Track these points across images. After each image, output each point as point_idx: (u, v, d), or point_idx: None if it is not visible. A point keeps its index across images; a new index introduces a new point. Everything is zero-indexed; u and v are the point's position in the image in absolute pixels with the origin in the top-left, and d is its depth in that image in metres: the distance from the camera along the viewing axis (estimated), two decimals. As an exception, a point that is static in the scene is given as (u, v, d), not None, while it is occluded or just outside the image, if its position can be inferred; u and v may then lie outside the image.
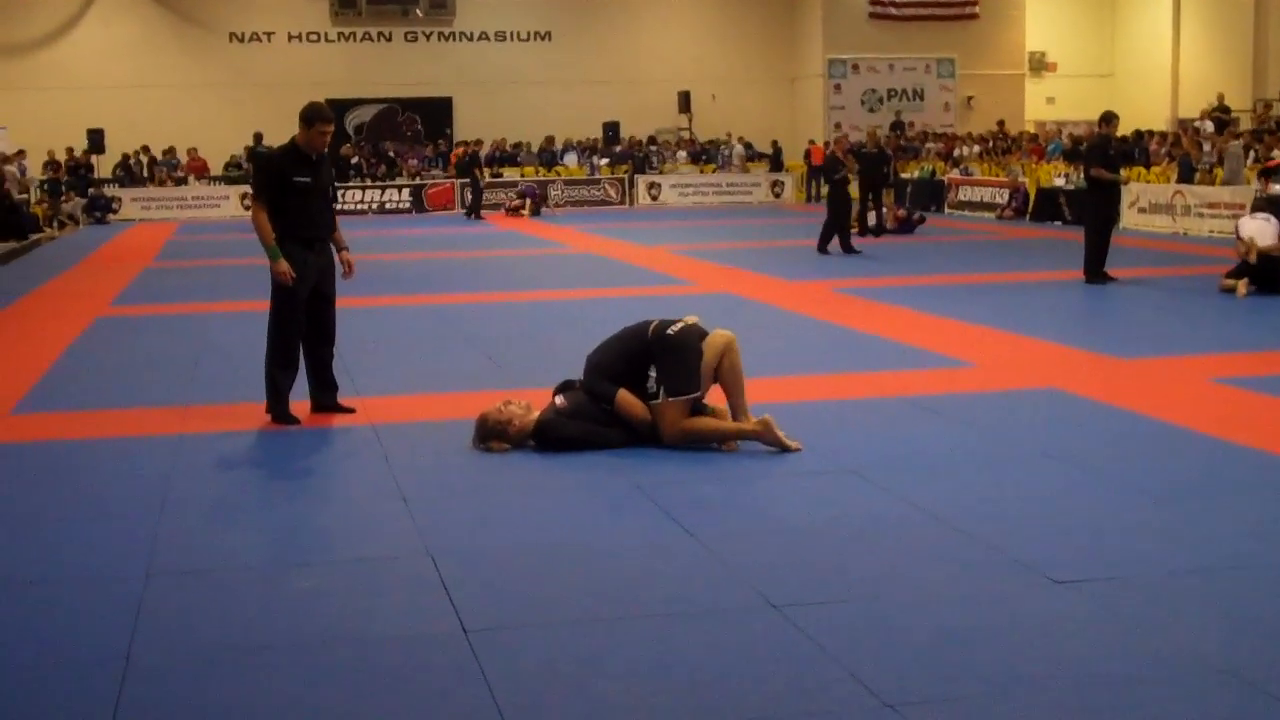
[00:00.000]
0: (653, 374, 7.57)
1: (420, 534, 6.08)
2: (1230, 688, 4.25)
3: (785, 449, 7.47)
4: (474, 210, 32.24)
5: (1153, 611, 4.93)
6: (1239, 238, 14.88)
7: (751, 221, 29.77)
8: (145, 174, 35.18)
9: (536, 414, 7.71)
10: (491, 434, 7.66)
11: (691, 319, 7.88)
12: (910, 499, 6.50)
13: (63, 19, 37.00)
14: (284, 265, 8.48)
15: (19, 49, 36.61)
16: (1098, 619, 4.87)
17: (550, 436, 7.62)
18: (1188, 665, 4.43)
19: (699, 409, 7.69)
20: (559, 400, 7.80)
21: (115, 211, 33.56)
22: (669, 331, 7.66)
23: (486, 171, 34.77)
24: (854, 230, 23.58)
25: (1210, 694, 4.22)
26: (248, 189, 8.02)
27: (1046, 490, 6.70)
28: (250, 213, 8.87)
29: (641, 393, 7.60)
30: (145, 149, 35.40)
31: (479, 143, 35.16)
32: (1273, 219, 14.85)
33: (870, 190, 24.38)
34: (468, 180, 32.90)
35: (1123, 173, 17.62)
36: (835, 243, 20.75)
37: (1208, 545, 5.76)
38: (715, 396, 7.85)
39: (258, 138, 31.25)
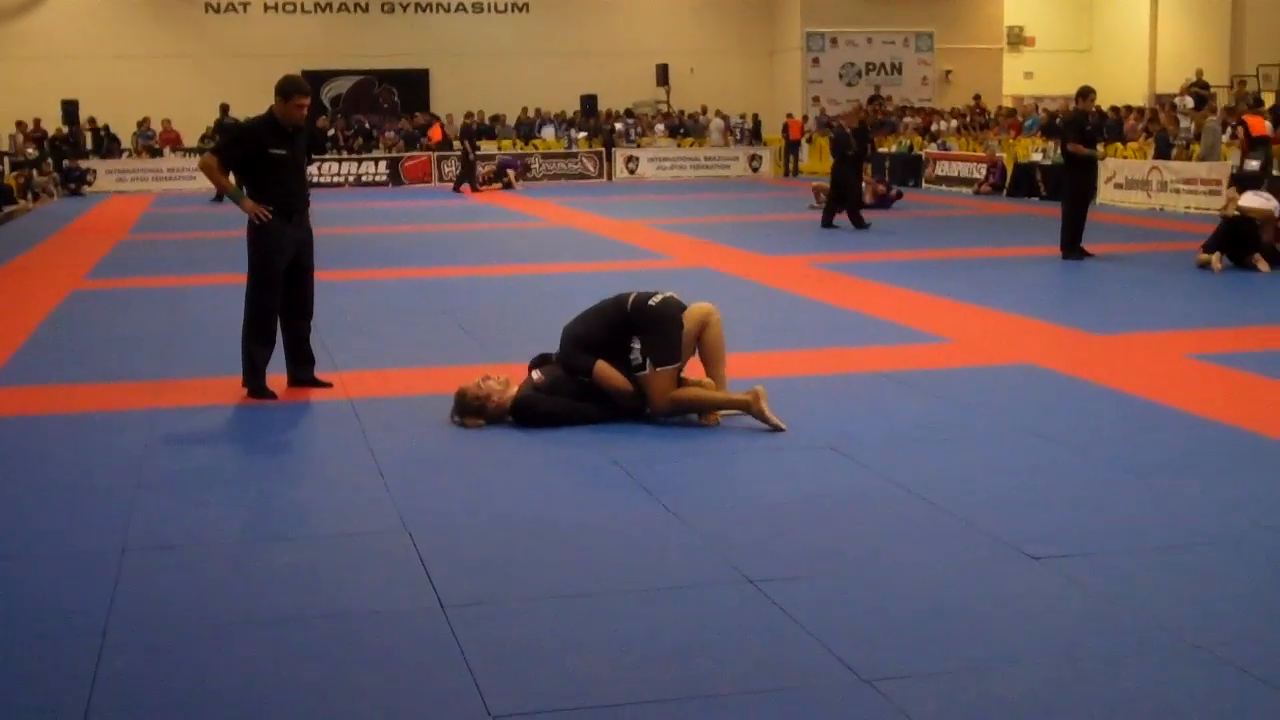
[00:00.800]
0: (636, 345, 7.56)
1: (398, 509, 6.08)
2: (1206, 663, 4.27)
3: (770, 425, 7.46)
4: (470, 183, 32.10)
5: (1129, 587, 4.95)
6: (1232, 195, 15.01)
7: (729, 195, 29.75)
8: (110, 145, 35.03)
9: (514, 390, 7.70)
10: (469, 409, 7.64)
11: (704, 307, 7.89)
12: (887, 474, 6.52)
13: (36, -12, 36.77)
14: (251, 203, 8.46)
15: (-9, 17, 36.38)
16: (1074, 594, 4.89)
17: (528, 413, 7.62)
18: (1164, 640, 4.45)
19: (680, 380, 7.71)
20: (535, 375, 7.79)
21: (90, 184, 33.37)
22: (650, 303, 7.66)
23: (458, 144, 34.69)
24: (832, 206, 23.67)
25: (1186, 669, 4.24)
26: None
27: (1023, 465, 6.72)
28: (201, 164, 8.77)
29: (621, 365, 7.60)
30: (105, 127, 35.17)
31: (471, 115, 34.98)
32: (1274, 199, 14.94)
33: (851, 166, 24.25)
34: (461, 152, 32.72)
35: (1100, 148, 17.63)
36: (843, 217, 20.78)
37: (1183, 520, 5.78)
38: (694, 369, 7.86)
39: (224, 109, 31.03)
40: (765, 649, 4.42)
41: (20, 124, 33.61)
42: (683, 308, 7.71)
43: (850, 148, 21.30)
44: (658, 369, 7.54)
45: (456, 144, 34.16)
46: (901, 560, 5.31)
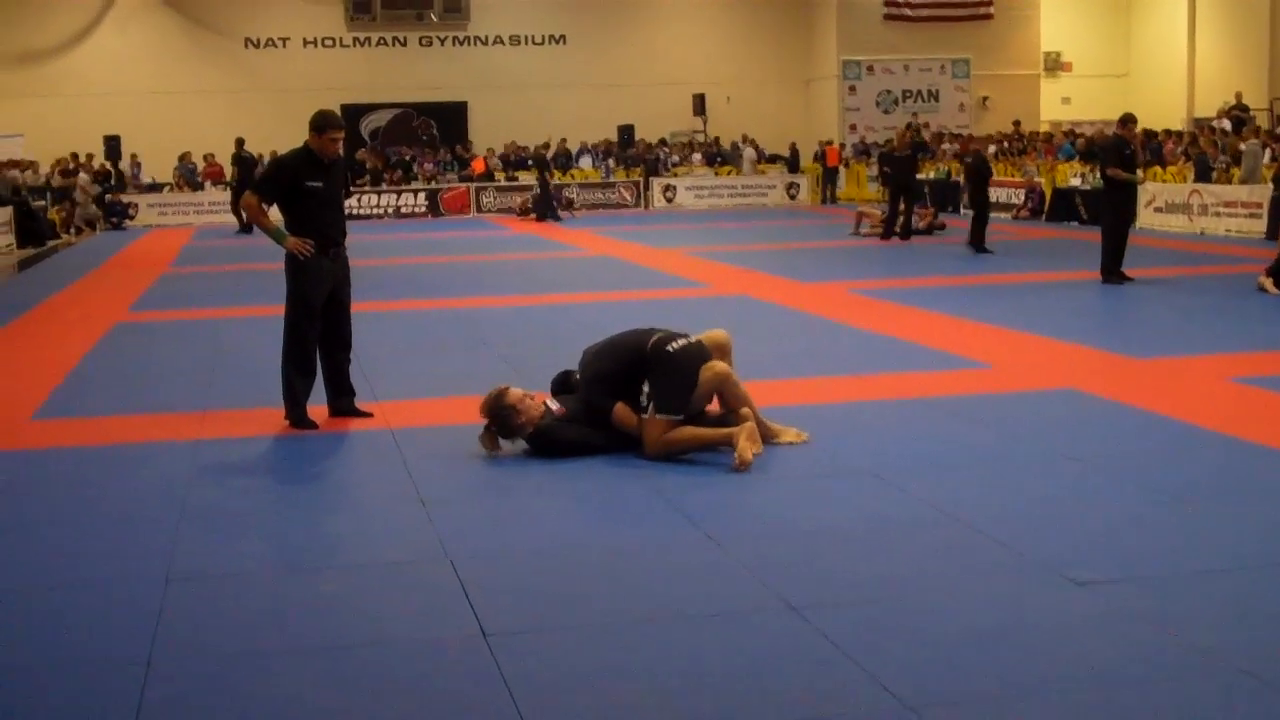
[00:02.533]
0: (646, 389, 7.54)
1: (439, 538, 6.09)
2: (1249, 688, 4.24)
3: (741, 464, 7.23)
4: (552, 212, 32.06)
5: (1171, 612, 4.92)
6: None
7: (767, 223, 29.75)
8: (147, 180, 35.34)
9: (538, 420, 7.68)
10: (503, 411, 7.60)
11: (718, 335, 7.86)
12: (928, 500, 6.50)
13: (78, 26, 37.13)
14: (294, 240, 8.52)
15: (35, 56, 36.75)
16: (1117, 619, 4.86)
17: (547, 442, 7.61)
18: (1207, 665, 4.42)
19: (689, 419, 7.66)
20: (555, 407, 7.77)
21: (132, 217, 33.66)
22: (669, 348, 7.56)
23: (501, 175, 34.82)
24: (878, 233, 23.85)
25: (1229, 694, 4.21)
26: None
27: (1064, 491, 6.69)
28: (244, 203, 8.89)
29: (636, 404, 7.57)
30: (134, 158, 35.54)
31: (545, 146, 35.13)
32: None
33: (902, 193, 24.23)
34: (539, 182, 32.76)
35: (1140, 173, 17.57)
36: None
37: (1226, 545, 5.74)
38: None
39: (239, 143, 31.25)
40: (808, 676, 4.41)
41: (59, 161, 33.85)
42: (703, 360, 7.61)
43: (918, 168, 21.67)
44: (658, 415, 7.46)
45: (513, 174, 34.25)
46: (944, 586, 5.29)
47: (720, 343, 7.86)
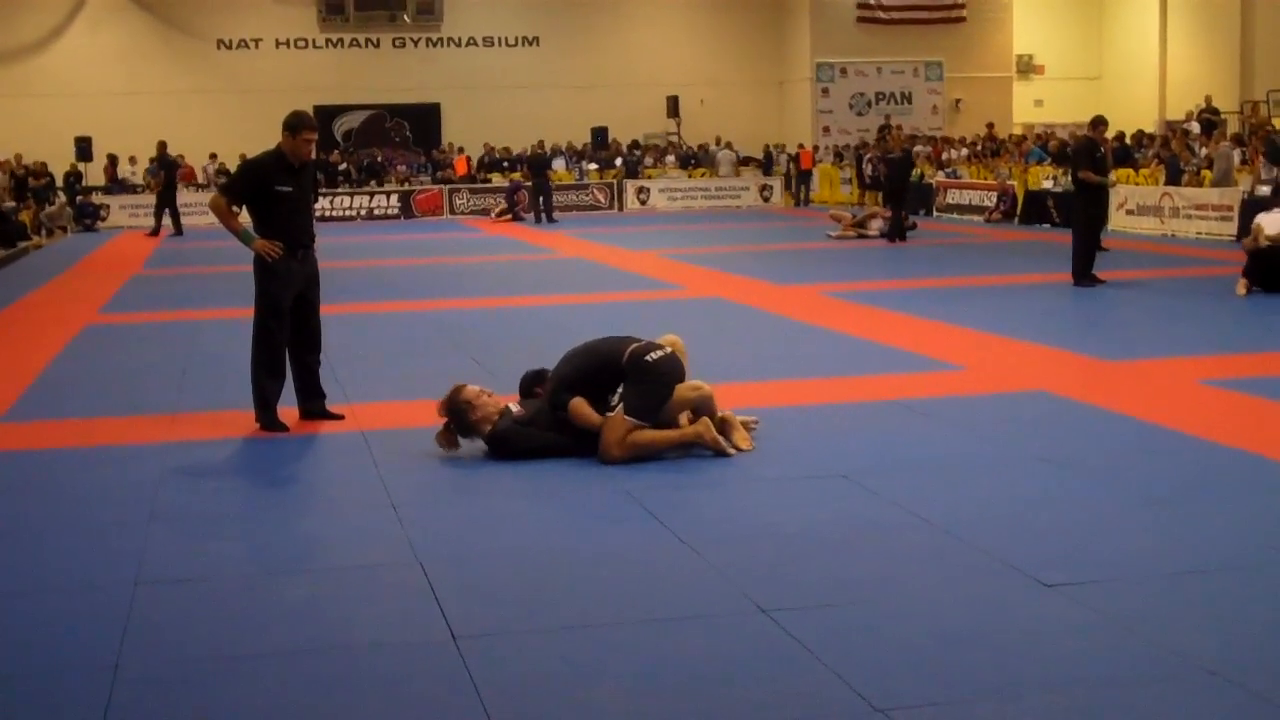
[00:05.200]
0: (618, 394, 7.52)
1: (409, 541, 6.07)
2: (1222, 690, 4.25)
3: (723, 453, 7.46)
4: (547, 213, 31.92)
5: (1144, 614, 4.93)
6: (1254, 227, 14.83)
7: (741, 225, 29.77)
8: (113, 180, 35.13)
9: (496, 421, 7.67)
10: (458, 408, 7.62)
11: (670, 339, 7.85)
12: (900, 503, 6.50)
13: (50, 26, 36.97)
14: (263, 242, 8.49)
15: (4, 56, 36.57)
16: (1089, 622, 4.87)
17: (502, 447, 7.60)
18: (1180, 667, 4.43)
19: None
20: (515, 409, 7.75)
21: (103, 219, 33.50)
22: (647, 358, 7.54)
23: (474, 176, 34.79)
24: (850, 236, 23.86)
25: (1202, 696, 4.22)
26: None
27: (1037, 493, 6.70)
28: (211, 205, 8.83)
29: (602, 407, 7.56)
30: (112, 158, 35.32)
31: (541, 145, 35.13)
32: None
33: (897, 195, 24.29)
34: (533, 184, 32.69)
35: (1111, 175, 17.62)
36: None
37: (1198, 547, 5.76)
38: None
39: (161, 146, 31.08)
40: (778, 679, 4.41)
41: (2, 164, 33.27)
42: (680, 374, 7.63)
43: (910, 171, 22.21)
44: (624, 415, 7.42)
45: (506, 177, 34.23)
46: (914, 588, 5.29)
47: (676, 347, 7.83)
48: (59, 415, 9.45)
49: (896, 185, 24.34)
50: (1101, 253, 16.93)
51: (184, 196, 34.33)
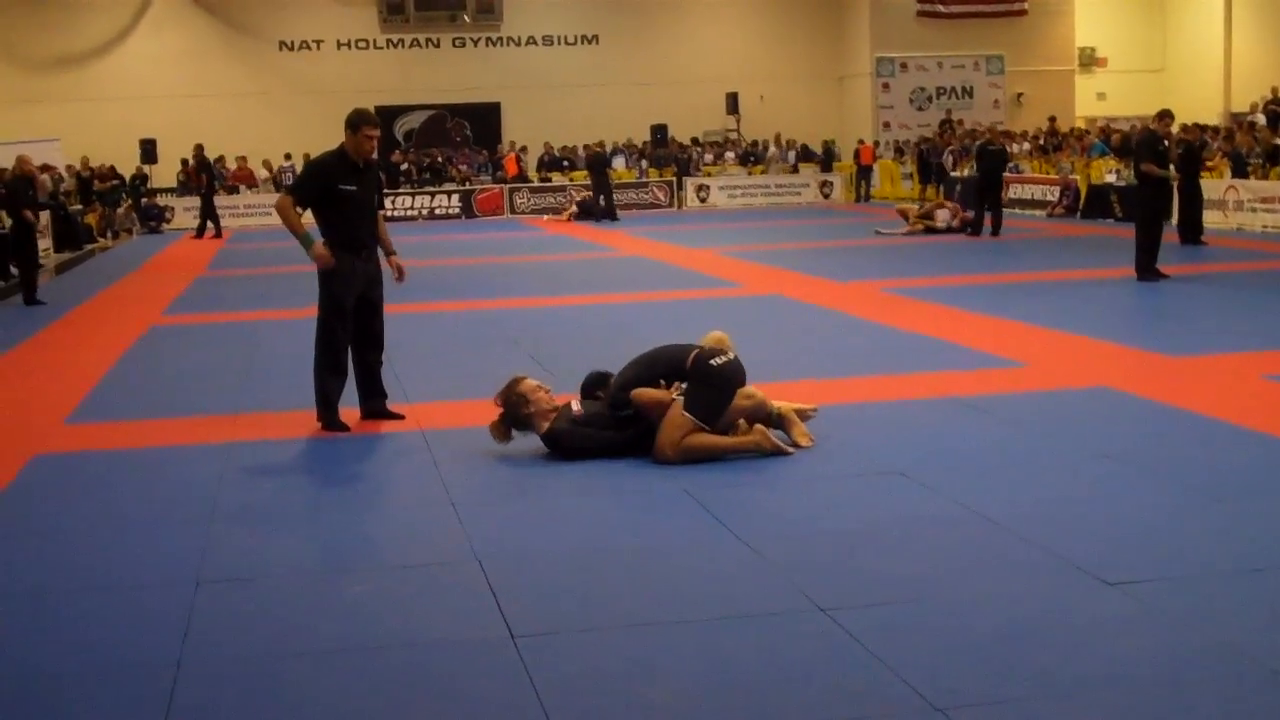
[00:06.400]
0: (682, 389, 7.54)
1: (469, 539, 6.10)
2: (1284, 689, 4.20)
3: (783, 453, 7.46)
4: (609, 213, 31.97)
5: (1205, 612, 4.88)
6: None
7: (801, 222, 29.68)
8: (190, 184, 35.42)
9: (553, 420, 7.70)
10: (512, 399, 7.66)
11: (716, 335, 7.87)
12: (960, 500, 6.47)
13: (114, 30, 37.41)
14: (321, 248, 8.53)
15: (71, 60, 37.03)
16: (1149, 620, 4.83)
17: (558, 445, 7.63)
18: (1241, 666, 4.38)
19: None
20: (575, 408, 7.77)
21: (168, 221, 33.84)
22: (712, 361, 7.54)
23: (535, 176, 34.79)
24: (969, 232, 23.90)
25: (1263, 694, 4.17)
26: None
27: (1098, 490, 6.65)
28: (277, 206, 8.70)
29: None
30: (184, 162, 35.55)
31: (600, 144, 35.21)
32: None
33: (991, 189, 24.16)
34: (591, 183, 32.69)
35: (1173, 169, 17.44)
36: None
37: (1260, 545, 5.69)
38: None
39: (198, 148, 31.39)
40: (837, 678, 4.39)
41: (69, 168, 33.52)
42: (741, 381, 7.64)
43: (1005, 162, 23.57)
44: (685, 413, 7.42)
45: (566, 176, 34.29)
46: (974, 587, 5.26)
47: (722, 344, 7.82)
48: (124, 416, 9.56)
49: (993, 179, 24.14)
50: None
51: (247, 198, 34.72)
